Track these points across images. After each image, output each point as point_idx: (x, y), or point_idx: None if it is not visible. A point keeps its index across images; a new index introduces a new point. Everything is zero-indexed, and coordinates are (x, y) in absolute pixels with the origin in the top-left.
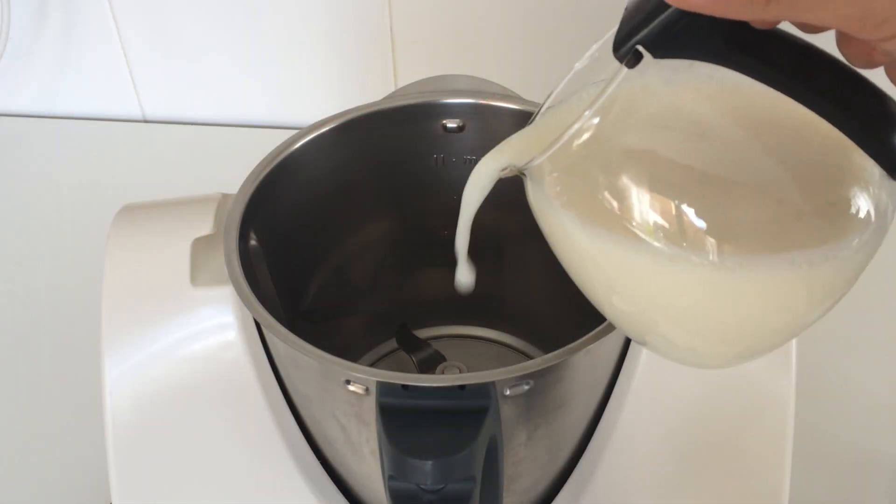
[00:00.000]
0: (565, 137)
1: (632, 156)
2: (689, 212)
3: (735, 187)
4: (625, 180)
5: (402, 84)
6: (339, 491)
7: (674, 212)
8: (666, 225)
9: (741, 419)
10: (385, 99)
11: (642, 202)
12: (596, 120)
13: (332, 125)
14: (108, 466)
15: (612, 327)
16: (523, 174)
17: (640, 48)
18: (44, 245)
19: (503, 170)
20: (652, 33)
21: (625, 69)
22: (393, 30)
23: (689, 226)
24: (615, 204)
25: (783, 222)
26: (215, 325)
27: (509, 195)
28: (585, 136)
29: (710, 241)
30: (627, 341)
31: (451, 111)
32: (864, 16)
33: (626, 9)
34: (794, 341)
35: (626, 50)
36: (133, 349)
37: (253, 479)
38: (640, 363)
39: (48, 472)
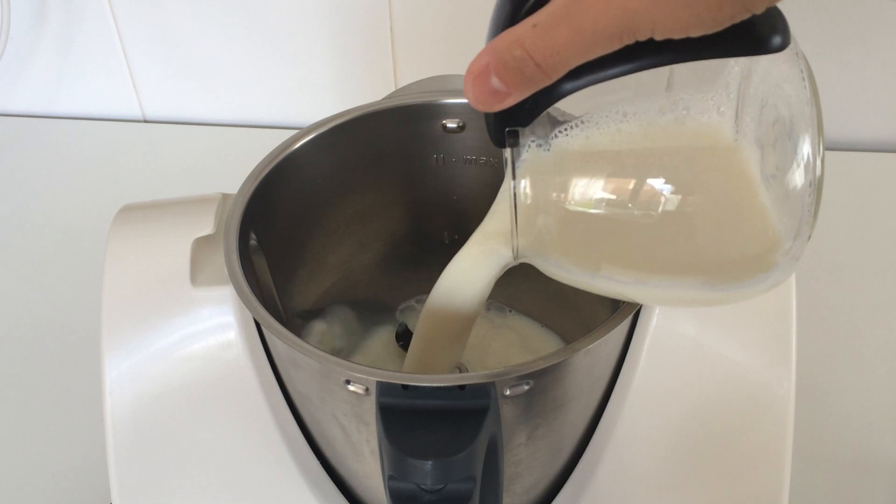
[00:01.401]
0: (518, 218)
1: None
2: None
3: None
4: (590, 220)
5: (402, 84)
6: (339, 491)
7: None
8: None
9: (741, 419)
10: (385, 99)
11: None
12: (524, 183)
13: (332, 125)
14: (108, 466)
15: (612, 327)
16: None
17: (510, 129)
18: (44, 245)
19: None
20: (507, 114)
21: (510, 150)
22: (393, 30)
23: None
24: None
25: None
26: (215, 325)
27: None
28: (531, 207)
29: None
30: (627, 341)
31: (451, 111)
32: (629, 30)
33: None
34: (794, 342)
35: (499, 138)
36: (133, 349)
37: (253, 479)
38: (641, 363)
39: (48, 472)
